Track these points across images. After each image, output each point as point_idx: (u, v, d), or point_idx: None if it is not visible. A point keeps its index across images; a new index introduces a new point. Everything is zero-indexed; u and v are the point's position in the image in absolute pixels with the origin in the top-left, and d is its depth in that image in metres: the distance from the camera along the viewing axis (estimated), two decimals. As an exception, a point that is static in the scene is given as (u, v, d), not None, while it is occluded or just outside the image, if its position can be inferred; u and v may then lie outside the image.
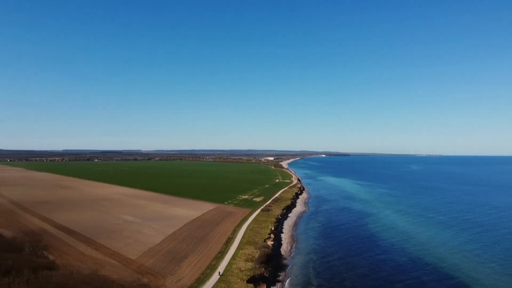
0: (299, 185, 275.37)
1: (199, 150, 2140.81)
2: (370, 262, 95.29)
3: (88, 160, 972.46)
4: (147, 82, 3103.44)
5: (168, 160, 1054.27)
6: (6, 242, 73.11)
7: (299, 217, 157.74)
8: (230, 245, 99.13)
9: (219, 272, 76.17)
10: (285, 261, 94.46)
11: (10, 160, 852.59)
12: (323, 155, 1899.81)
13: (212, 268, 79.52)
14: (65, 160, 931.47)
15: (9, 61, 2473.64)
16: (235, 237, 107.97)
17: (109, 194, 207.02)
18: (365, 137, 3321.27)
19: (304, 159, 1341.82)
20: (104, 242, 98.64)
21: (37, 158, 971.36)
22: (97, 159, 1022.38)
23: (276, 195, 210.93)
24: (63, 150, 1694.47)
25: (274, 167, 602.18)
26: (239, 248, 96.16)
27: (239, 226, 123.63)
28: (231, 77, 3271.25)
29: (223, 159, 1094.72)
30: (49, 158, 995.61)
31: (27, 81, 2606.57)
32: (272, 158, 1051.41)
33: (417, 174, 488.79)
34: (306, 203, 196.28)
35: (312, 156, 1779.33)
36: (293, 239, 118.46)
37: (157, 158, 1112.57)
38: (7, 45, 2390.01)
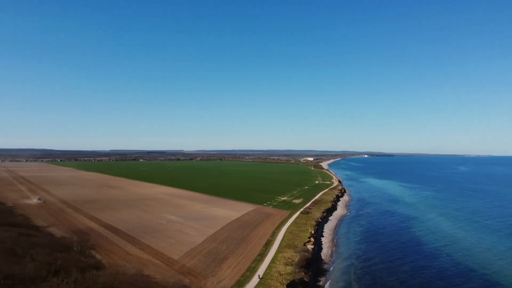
0: (340, 187, 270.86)
1: (239, 150, 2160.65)
2: (413, 267, 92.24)
3: (133, 160, 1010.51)
4: (191, 84, 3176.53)
5: (209, 160, 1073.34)
6: (56, 241, 77.38)
7: (340, 220, 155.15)
8: (270, 248, 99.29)
9: (259, 275, 76.53)
10: (325, 266, 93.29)
11: (60, 160, 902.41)
12: (366, 156, 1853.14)
13: (251, 270, 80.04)
14: (112, 160, 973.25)
15: (58, 65, 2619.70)
16: (274, 240, 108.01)
17: (153, 194, 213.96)
18: (410, 137, 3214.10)
19: (345, 159, 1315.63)
20: (148, 242, 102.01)
21: (85, 158, 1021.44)
22: (142, 159, 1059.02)
23: (316, 197, 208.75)
24: (110, 150, 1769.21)
25: (313, 168, 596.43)
26: (278, 251, 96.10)
27: (278, 228, 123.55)
28: (271, 75, 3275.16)
29: (262, 159, 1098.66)
30: (97, 158, 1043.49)
31: (77, 85, 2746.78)
32: (311, 159, 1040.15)
33: (465, 176, 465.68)
34: (347, 206, 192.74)
35: (354, 156, 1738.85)
36: (334, 243, 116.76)
37: (198, 158, 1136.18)
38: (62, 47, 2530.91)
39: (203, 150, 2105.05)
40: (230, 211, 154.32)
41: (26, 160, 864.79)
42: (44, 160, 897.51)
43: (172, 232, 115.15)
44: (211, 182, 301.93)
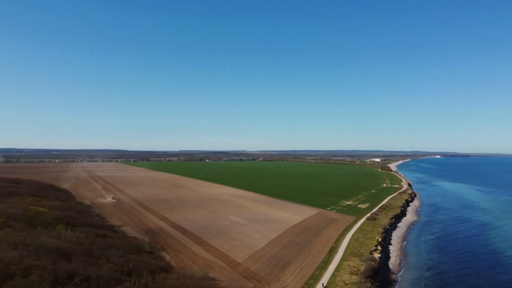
0: (409, 191, 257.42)
1: (301, 151, 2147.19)
2: (490, 282, 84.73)
3: (200, 160, 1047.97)
4: (254, 84, 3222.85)
5: (270, 160, 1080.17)
6: (129, 242, 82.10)
7: (410, 227, 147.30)
8: (334, 255, 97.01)
9: (323, 284, 74.98)
10: (393, 276, 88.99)
11: (134, 160, 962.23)
12: (438, 156, 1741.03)
13: (315, 278, 78.72)
14: (181, 160, 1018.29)
15: (128, 69, 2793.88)
16: (338, 247, 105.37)
17: (218, 194, 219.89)
18: (488, 136, 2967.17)
19: (416, 160, 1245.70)
20: (213, 243, 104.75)
21: (156, 159, 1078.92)
22: (208, 159, 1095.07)
23: (384, 202, 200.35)
24: (179, 151, 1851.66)
25: (381, 169, 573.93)
26: (343, 259, 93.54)
27: (342, 234, 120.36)
28: (330, 73, 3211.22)
29: (325, 160, 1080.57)
30: (167, 158, 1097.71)
31: (148, 89, 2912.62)
32: (378, 160, 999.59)
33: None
34: (417, 212, 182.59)
35: (425, 157, 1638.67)
36: (403, 252, 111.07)
37: (260, 159, 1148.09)
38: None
39: (265, 151, 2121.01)
40: (293, 214, 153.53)
41: (103, 160, 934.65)
42: (119, 160, 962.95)
43: (236, 234, 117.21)
44: (273, 183, 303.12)
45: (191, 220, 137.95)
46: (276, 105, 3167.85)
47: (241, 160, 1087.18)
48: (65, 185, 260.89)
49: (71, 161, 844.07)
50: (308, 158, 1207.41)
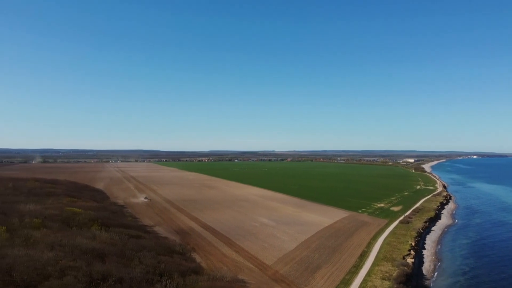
0: (444, 193, 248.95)
1: (331, 151, 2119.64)
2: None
3: (229, 160, 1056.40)
4: (282, 83, 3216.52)
5: (299, 161, 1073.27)
6: (161, 243, 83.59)
7: (445, 231, 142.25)
8: (365, 260, 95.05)
9: (353, 289, 73.62)
10: (427, 282, 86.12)
11: (165, 160, 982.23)
12: (474, 156, 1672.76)
13: (346, 283, 77.34)
14: (210, 160, 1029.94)
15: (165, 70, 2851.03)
16: (370, 251, 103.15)
17: (246, 195, 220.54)
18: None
19: (451, 161, 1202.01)
20: (243, 245, 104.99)
21: (187, 159, 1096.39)
22: (237, 159, 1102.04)
23: (417, 204, 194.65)
24: (209, 151, 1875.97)
25: (414, 170, 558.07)
26: (374, 263, 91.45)
27: (374, 238, 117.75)
28: (362, 72, 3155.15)
29: (356, 160, 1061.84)
30: (197, 159, 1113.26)
31: (178, 88, 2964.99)
32: (412, 160, 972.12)
33: None
34: (453, 215, 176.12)
35: (461, 157, 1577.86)
36: (437, 257, 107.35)
37: (289, 159, 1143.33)
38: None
39: (294, 151, 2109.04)
40: (322, 217, 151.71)
41: (136, 161, 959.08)
42: (152, 160, 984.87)
43: (265, 235, 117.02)
44: (302, 184, 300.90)
45: (221, 221, 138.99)
46: (306, 105, 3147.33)
47: (269, 160, 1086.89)
48: (100, 185, 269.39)
49: (105, 161, 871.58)
50: (338, 158, 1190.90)
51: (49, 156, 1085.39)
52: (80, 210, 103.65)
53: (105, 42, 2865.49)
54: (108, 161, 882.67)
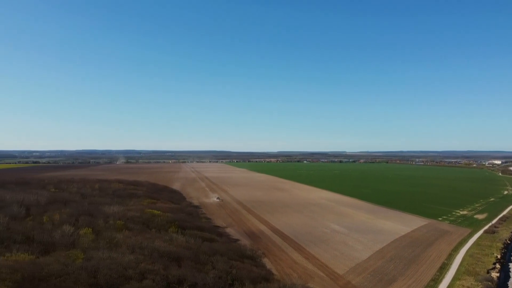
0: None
1: (407, 152, 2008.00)
2: None
3: (298, 161, 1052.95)
4: (352, 83, 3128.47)
5: (373, 162, 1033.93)
6: (232, 247, 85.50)
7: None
8: (445, 273, 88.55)
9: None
10: (517, 302, 77.89)
11: (236, 161, 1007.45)
12: None
13: (424, 299, 72.75)
14: (279, 161, 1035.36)
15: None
16: (450, 264, 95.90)
17: (316, 199, 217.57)
18: None
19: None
20: (313, 251, 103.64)
21: (256, 159, 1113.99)
22: (306, 160, 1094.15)
23: (504, 212, 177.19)
24: (278, 152, 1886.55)
25: (501, 173, 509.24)
26: (455, 277, 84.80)
27: (455, 249, 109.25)
28: (441, 67, 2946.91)
29: (436, 162, 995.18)
30: (267, 159, 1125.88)
31: (246, 90, 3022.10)
32: (499, 162, 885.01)
33: None
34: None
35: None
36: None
37: (362, 160, 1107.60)
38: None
39: (367, 152, 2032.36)
40: (398, 224, 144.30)
41: (210, 161, 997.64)
42: (224, 161, 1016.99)
43: (336, 243, 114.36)
44: (376, 189, 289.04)
45: (291, 225, 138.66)
46: (379, 104, 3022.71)
47: (340, 161, 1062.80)
48: (177, 185, 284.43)
49: (182, 162, 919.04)
50: (417, 160, 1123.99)
51: (131, 157, 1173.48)
52: (159, 212, 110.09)
53: (180, 40, 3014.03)
54: (184, 162, 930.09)
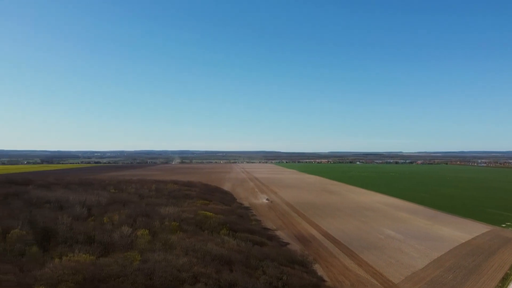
0: None
1: (469, 152, 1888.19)
2: None
3: (350, 162, 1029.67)
4: (408, 80, 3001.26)
5: (431, 164, 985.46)
6: (283, 252, 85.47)
7: None
8: (508, 284, 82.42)
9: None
10: None
11: (286, 162, 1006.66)
12: None
13: (487, 314, 68.22)
14: (330, 162, 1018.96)
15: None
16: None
17: (370, 203, 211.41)
18: None
19: None
20: (366, 258, 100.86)
21: (306, 160, 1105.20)
22: (359, 161, 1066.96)
23: None
24: (328, 152, 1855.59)
25: None
26: (522, 291, 78.68)
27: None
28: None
29: (500, 163, 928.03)
30: (317, 160, 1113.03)
31: (297, 89, 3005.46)
32: None
33: None
34: None
35: None
36: None
37: (419, 162, 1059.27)
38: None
39: (425, 152, 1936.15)
40: (458, 231, 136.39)
41: (259, 162, 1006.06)
42: (273, 161, 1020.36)
43: (391, 250, 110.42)
44: (435, 192, 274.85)
45: (343, 230, 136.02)
46: (437, 101, 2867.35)
47: (396, 163, 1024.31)
48: (227, 186, 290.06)
49: (233, 162, 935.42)
50: (479, 161, 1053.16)
51: (185, 157, 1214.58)
52: (211, 214, 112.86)
53: (239, 41, 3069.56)
54: (235, 162, 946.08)
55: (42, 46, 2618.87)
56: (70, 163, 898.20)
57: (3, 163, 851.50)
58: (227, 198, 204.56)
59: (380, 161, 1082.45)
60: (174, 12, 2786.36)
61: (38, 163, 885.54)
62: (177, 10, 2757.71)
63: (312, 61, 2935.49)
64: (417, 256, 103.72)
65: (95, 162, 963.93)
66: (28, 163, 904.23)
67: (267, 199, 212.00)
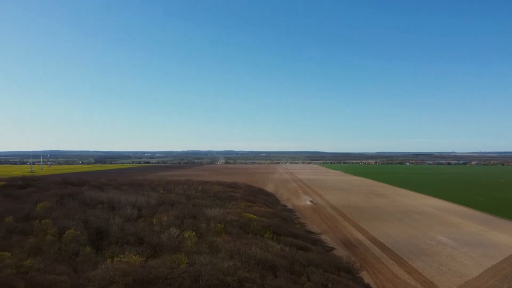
0: None
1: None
2: None
3: (399, 163, 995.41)
4: (462, 76, 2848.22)
5: (486, 165, 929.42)
6: (327, 258, 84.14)
7: None
8: None
9: None
10: None
11: (330, 162, 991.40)
12: None
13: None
14: (378, 163, 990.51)
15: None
16: None
17: (420, 206, 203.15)
18: None
19: None
20: (416, 265, 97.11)
21: (352, 161, 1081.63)
22: (409, 162, 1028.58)
23: None
24: (376, 153, 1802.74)
25: None
26: None
27: None
28: None
29: None
30: (363, 161, 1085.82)
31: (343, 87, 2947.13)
32: None
33: None
34: None
35: None
36: None
37: (473, 163, 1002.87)
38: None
39: (480, 152, 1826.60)
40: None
41: (303, 162, 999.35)
42: (317, 162, 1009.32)
43: (442, 257, 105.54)
44: (491, 196, 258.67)
45: (390, 235, 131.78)
46: (492, 98, 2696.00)
47: (448, 164, 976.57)
48: (271, 187, 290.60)
49: (276, 163, 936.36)
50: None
51: (230, 157, 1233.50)
52: (255, 216, 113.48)
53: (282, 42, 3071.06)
54: (278, 162, 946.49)
55: (101, 49, 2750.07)
56: (122, 163, 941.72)
57: (60, 163, 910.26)
58: (270, 200, 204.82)
59: (432, 162, 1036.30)
60: (235, 17, 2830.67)
61: (92, 163, 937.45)
62: (237, 16, 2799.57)
63: (357, 63, 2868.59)
64: (470, 264, 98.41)
65: (145, 162, 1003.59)
66: (82, 163, 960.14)
67: (311, 201, 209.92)
